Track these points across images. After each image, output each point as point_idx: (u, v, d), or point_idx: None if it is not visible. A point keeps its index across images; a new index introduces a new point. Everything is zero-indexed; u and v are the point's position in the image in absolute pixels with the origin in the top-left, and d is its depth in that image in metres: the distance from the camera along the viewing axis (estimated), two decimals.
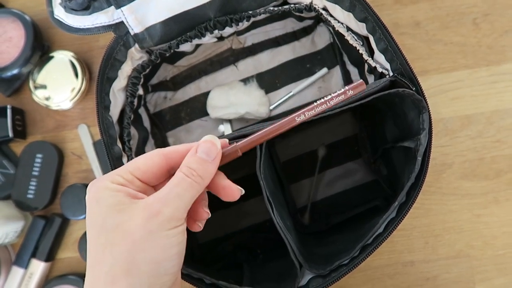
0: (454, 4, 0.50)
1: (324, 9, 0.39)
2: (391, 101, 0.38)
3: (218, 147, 0.28)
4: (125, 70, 0.40)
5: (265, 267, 0.43)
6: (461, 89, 0.49)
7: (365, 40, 0.38)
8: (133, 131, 0.43)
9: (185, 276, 0.35)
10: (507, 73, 0.49)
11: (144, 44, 0.39)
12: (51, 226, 0.50)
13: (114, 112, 0.39)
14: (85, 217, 0.27)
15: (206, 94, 0.49)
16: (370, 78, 0.41)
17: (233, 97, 0.47)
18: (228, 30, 0.42)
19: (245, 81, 0.49)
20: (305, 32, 0.49)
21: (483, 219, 0.48)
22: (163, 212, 0.25)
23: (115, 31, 0.39)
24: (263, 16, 0.41)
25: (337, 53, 0.48)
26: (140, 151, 0.44)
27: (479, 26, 0.49)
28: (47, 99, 0.50)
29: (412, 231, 0.48)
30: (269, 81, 0.49)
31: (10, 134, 0.50)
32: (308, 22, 0.48)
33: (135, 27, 0.38)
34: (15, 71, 0.50)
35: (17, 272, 0.49)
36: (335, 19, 0.39)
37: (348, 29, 0.39)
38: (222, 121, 0.49)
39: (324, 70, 0.49)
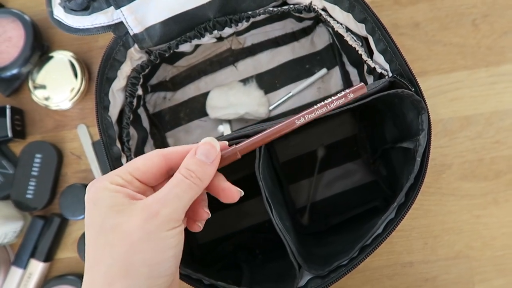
0: (454, 5, 0.50)
1: (324, 9, 0.39)
2: (391, 101, 0.38)
3: (217, 150, 0.28)
4: (125, 70, 0.40)
5: (264, 268, 0.43)
6: (461, 90, 0.49)
7: (364, 40, 0.38)
8: (132, 131, 0.43)
9: (184, 277, 0.35)
10: (507, 74, 0.49)
11: (144, 45, 0.39)
12: (50, 226, 0.50)
13: (113, 112, 0.39)
14: (84, 218, 0.27)
15: (205, 95, 0.49)
16: (370, 79, 0.41)
17: (233, 98, 0.47)
18: (227, 31, 0.42)
19: (244, 81, 0.49)
20: (305, 32, 0.49)
21: (483, 220, 0.48)
22: (161, 213, 0.25)
23: (115, 32, 0.39)
24: (262, 16, 0.41)
25: (336, 53, 0.48)
26: (139, 151, 0.44)
27: (479, 27, 0.50)
28: (46, 99, 0.50)
29: (411, 232, 0.48)
30: (269, 81, 0.49)
31: (9, 134, 0.50)
32: (308, 23, 0.48)
33: (134, 28, 0.38)
34: (14, 71, 0.50)
35: (16, 272, 0.49)
36: (334, 19, 0.39)
37: (348, 29, 0.39)
38: (221, 121, 0.49)
39: (324, 70, 0.49)
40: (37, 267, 0.49)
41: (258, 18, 0.41)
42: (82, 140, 0.52)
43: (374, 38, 0.36)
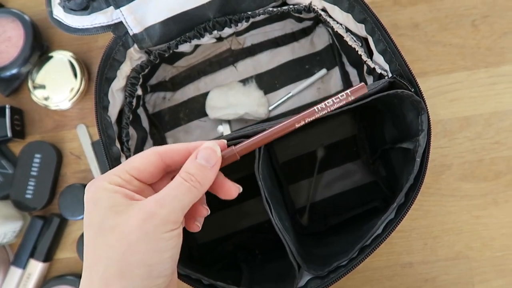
0: (453, 6, 0.50)
1: (323, 10, 0.39)
2: (390, 102, 0.38)
3: (218, 154, 0.28)
4: (124, 70, 0.40)
5: (264, 268, 0.43)
6: (460, 91, 0.49)
7: (364, 41, 0.38)
8: (132, 131, 0.43)
9: (183, 277, 0.35)
10: (506, 75, 0.49)
11: (143, 45, 0.39)
12: (49, 226, 0.49)
13: (113, 112, 0.39)
14: (83, 218, 0.27)
15: (205, 95, 0.49)
16: (369, 79, 0.41)
17: (232, 98, 0.47)
18: (227, 31, 0.42)
19: (244, 81, 0.49)
20: (304, 33, 0.49)
21: (482, 221, 0.48)
22: (160, 214, 0.25)
23: (114, 31, 0.39)
24: (262, 16, 0.41)
25: (336, 54, 0.48)
26: (139, 151, 0.43)
27: (478, 28, 0.50)
28: (46, 99, 0.50)
29: (411, 233, 0.48)
30: (268, 81, 0.49)
31: (9, 134, 0.50)
32: (307, 23, 0.48)
33: (134, 28, 0.38)
34: (14, 71, 0.50)
35: (15, 272, 0.49)
36: (334, 20, 0.39)
37: (347, 30, 0.39)
38: (221, 121, 0.49)
39: (323, 71, 0.49)
40: (36, 267, 0.49)
41: (258, 18, 0.41)
42: (82, 140, 0.52)
43: (374, 38, 0.36)
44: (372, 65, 0.38)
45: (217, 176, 0.29)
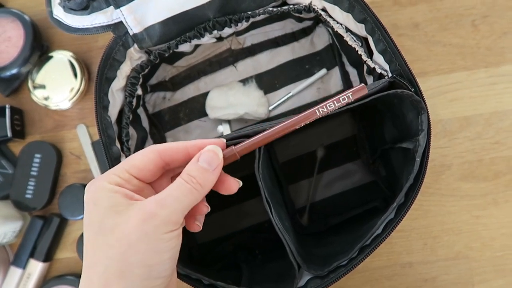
0: (453, 6, 0.50)
1: (323, 10, 0.39)
2: (390, 102, 0.38)
3: (220, 158, 0.28)
4: (124, 70, 0.40)
5: (264, 268, 0.43)
6: (460, 91, 0.49)
7: (364, 41, 0.38)
8: (132, 131, 0.43)
9: (183, 277, 0.35)
10: (506, 75, 0.49)
11: (143, 44, 0.39)
12: (49, 226, 0.49)
13: (113, 112, 0.39)
14: (83, 218, 0.27)
15: (205, 95, 0.49)
16: (369, 79, 0.41)
17: (232, 98, 0.47)
18: (227, 31, 0.42)
19: (244, 81, 0.49)
20: (304, 33, 0.49)
21: (482, 221, 0.48)
22: (160, 215, 0.25)
23: (114, 31, 0.39)
24: (262, 16, 0.41)
25: (336, 54, 0.48)
26: None
27: (478, 28, 0.50)
28: (46, 99, 0.50)
29: (410, 232, 0.48)
30: (268, 81, 0.49)
31: (9, 134, 0.50)
32: (307, 23, 0.48)
33: (134, 27, 0.38)
34: (14, 71, 0.50)
35: (15, 272, 0.49)
36: (334, 20, 0.39)
37: (347, 30, 0.39)
38: (221, 121, 0.49)
39: (323, 71, 0.49)
40: (36, 267, 0.49)
41: (258, 18, 0.41)
42: (82, 140, 0.51)
43: (374, 38, 0.36)
44: (372, 65, 0.38)
45: None
